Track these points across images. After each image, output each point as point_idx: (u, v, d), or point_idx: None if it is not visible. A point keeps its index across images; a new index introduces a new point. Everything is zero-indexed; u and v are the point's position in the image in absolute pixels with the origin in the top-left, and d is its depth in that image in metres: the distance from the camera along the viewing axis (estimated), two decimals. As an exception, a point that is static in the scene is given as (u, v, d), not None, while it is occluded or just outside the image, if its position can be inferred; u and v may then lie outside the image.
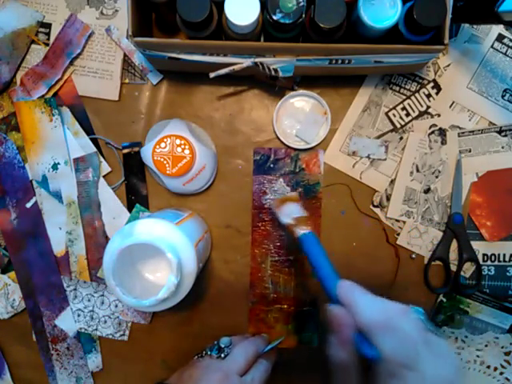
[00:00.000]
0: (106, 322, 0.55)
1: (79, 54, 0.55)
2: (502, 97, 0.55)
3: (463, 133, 0.55)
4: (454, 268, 0.55)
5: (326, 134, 0.55)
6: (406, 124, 0.55)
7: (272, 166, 0.55)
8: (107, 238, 0.55)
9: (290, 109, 0.55)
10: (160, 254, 0.40)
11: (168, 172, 0.50)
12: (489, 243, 0.55)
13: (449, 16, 0.44)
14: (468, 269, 0.55)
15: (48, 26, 0.55)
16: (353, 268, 0.55)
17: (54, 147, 0.54)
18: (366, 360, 0.36)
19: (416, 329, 0.36)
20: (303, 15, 0.43)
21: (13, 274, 0.55)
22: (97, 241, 0.55)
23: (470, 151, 0.55)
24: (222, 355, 0.44)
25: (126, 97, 0.55)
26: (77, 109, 0.55)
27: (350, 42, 0.46)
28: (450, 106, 0.55)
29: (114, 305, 0.55)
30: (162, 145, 0.49)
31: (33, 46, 0.55)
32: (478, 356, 0.55)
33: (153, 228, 0.42)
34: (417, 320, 0.37)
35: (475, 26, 0.55)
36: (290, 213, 0.47)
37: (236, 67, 0.47)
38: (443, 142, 0.55)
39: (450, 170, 0.55)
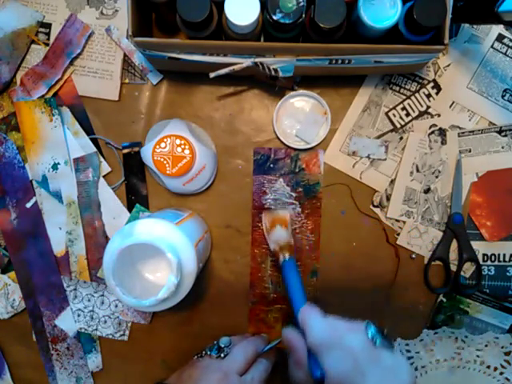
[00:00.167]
0: (105, 322, 0.55)
1: (79, 54, 0.55)
2: (502, 97, 0.55)
3: (463, 133, 0.55)
4: (454, 268, 0.55)
5: (326, 134, 0.55)
6: (406, 124, 0.55)
7: (272, 165, 0.55)
8: (107, 238, 0.55)
9: (289, 109, 0.55)
10: (160, 253, 0.40)
11: (168, 172, 0.50)
12: (489, 243, 0.55)
13: (449, 16, 0.44)
14: (468, 269, 0.55)
15: (48, 26, 0.55)
16: (353, 268, 0.55)
17: (54, 147, 0.54)
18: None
19: (362, 345, 0.36)
20: (303, 15, 0.43)
21: (13, 274, 0.55)
22: (97, 241, 0.55)
23: (469, 151, 0.55)
24: (222, 355, 0.44)
25: (126, 97, 0.55)
26: (77, 109, 0.55)
27: (350, 41, 0.46)
28: (450, 106, 0.55)
29: (114, 305, 0.55)
30: (162, 145, 0.49)
31: (33, 46, 0.55)
32: (478, 356, 0.55)
33: (153, 228, 0.42)
34: (364, 336, 0.37)
35: (475, 26, 0.55)
36: (278, 239, 0.51)
37: (236, 67, 0.47)
38: (443, 142, 0.55)
39: (450, 170, 0.55)
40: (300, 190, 0.55)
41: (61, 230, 0.55)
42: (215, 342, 0.46)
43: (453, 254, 0.55)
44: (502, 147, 0.55)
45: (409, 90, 0.55)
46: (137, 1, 0.45)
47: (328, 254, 0.55)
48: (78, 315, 0.55)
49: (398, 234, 0.55)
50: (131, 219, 0.55)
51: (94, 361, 0.56)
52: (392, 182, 0.55)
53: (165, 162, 0.50)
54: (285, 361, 0.54)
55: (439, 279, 0.56)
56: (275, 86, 0.54)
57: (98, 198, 0.55)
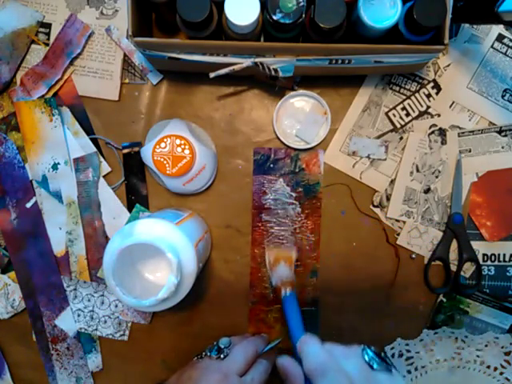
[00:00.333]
0: (106, 322, 0.55)
1: (79, 53, 0.55)
2: (502, 97, 0.55)
3: (463, 133, 0.55)
4: (454, 268, 0.55)
5: (326, 134, 0.55)
6: (406, 124, 0.55)
7: (272, 165, 0.55)
8: (107, 238, 0.55)
9: (289, 109, 0.55)
10: (160, 253, 0.40)
11: (168, 172, 0.50)
12: (489, 243, 0.55)
13: (449, 16, 0.44)
14: (468, 269, 0.55)
15: (48, 26, 0.55)
16: (353, 268, 0.55)
17: (54, 147, 0.54)
18: None
19: (358, 369, 0.36)
20: (303, 15, 0.43)
21: (13, 274, 0.55)
22: (97, 241, 0.55)
23: (470, 151, 0.55)
24: (222, 356, 0.44)
25: (126, 97, 0.55)
26: (77, 109, 0.55)
27: (350, 41, 0.46)
28: (450, 106, 0.55)
29: (114, 305, 0.55)
30: (162, 145, 0.49)
31: (33, 46, 0.55)
32: (478, 356, 0.55)
33: (153, 228, 0.42)
34: (360, 360, 0.37)
35: (475, 26, 0.55)
36: (281, 276, 0.51)
37: (236, 67, 0.47)
38: (443, 142, 0.55)
39: (450, 170, 0.55)
40: (300, 189, 0.55)
41: (61, 230, 0.55)
42: (215, 343, 0.46)
43: (453, 254, 0.55)
44: (502, 147, 0.55)
45: (409, 89, 0.55)
46: (137, 1, 0.45)
47: (328, 254, 0.55)
48: (78, 315, 0.55)
49: (398, 234, 0.55)
50: (131, 219, 0.55)
51: (94, 361, 0.56)
52: (392, 182, 0.55)
53: (165, 162, 0.50)
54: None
55: (439, 279, 0.56)
56: (275, 86, 0.54)
57: (97, 198, 0.55)
